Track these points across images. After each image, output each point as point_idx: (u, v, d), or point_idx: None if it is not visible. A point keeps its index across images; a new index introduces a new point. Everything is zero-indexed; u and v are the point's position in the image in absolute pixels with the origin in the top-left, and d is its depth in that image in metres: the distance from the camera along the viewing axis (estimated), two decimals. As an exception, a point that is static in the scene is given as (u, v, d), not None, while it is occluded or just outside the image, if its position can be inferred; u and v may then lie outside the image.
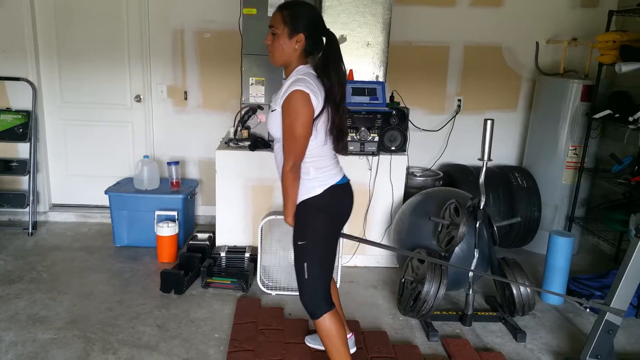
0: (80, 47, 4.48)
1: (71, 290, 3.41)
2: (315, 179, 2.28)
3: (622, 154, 4.04)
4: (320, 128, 2.24)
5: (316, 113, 2.19)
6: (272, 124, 2.28)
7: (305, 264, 2.27)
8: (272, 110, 2.28)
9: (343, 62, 2.28)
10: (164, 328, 3.01)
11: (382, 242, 3.83)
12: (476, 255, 3.11)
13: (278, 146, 2.30)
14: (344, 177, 2.40)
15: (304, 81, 2.16)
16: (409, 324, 3.18)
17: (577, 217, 4.27)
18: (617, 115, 3.81)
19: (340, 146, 2.35)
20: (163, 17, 4.43)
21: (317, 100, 2.18)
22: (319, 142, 2.26)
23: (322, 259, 2.33)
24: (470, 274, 3.13)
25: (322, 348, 2.78)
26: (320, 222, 2.29)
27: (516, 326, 3.12)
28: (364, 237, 3.71)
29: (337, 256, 3.37)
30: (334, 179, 2.32)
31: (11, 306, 3.18)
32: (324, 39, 2.27)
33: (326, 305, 2.30)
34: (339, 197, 2.36)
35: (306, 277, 2.28)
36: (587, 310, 3.42)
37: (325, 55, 2.26)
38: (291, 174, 2.21)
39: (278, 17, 2.22)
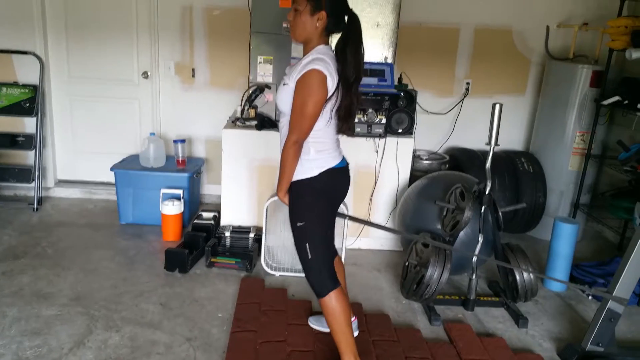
0: (88, 21, 4.44)
1: (75, 267, 3.43)
2: (315, 160, 2.28)
3: (629, 141, 4.01)
4: (327, 108, 2.23)
5: (329, 95, 2.19)
6: (282, 98, 2.27)
7: (307, 245, 2.29)
8: (284, 84, 2.26)
9: (362, 44, 2.25)
10: (167, 306, 3.03)
11: (387, 225, 3.84)
12: (480, 240, 3.11)
13: (284, 120, 2.30)
14: (343, 160, 2.40)
15: (322, 61, 2.15)
16: (411, 308, 3.20)
17: (582, 204, 4.25)
18: (626, 102, 3.77)
19: (344, 127, 2.34)
20: (172, -8, 4.39)
21: (332, 83, 2.18)
22: (323, 121, 2.24)
23: (322, 237, 2.35)
24: (474, 259, 3.13)
25: (326, 330, 2.80)
26: (315, 202, 2.30)
27: (518, 312, 3.13)
28: (368, 220, 3.72)
29: (342, 238, 3.40)
30: (332, 163, 2.32)
31: (15, 282, 3.20)
32: (346, 18, 2.24)
33: (332, 283, 2.32)
34: (335, 180, 2.36)
35: (310, 257, 2.30)
36: (590, 297, 3.43)
37: (345, 35, 2.24)
38: (292, 150, 2.22)
39: None
